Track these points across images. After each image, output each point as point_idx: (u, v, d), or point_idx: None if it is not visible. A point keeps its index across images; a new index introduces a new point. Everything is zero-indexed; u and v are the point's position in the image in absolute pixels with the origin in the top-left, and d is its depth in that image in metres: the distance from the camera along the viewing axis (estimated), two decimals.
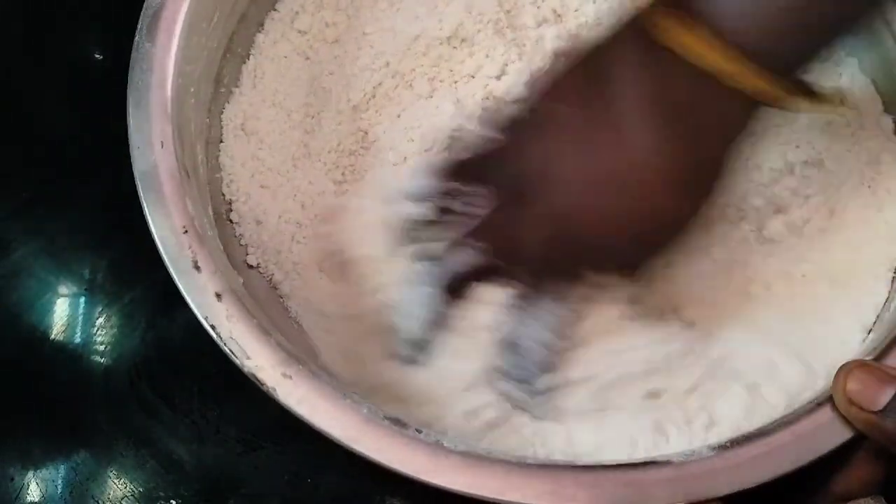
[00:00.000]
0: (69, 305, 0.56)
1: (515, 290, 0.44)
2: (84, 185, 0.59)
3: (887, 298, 0.48)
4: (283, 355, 0.40)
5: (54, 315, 0.56)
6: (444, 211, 0.45)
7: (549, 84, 0.43)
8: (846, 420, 0.38)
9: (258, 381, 0.40)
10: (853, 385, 0.37)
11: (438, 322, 0.45)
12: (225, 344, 0.40)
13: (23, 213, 0.59)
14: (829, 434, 0.38)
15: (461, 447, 0.38)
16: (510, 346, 0.44)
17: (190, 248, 0.42)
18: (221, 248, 0.45)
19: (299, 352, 0.42)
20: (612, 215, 0.42)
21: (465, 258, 0.44)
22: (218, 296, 0.41)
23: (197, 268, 0.42)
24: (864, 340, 0.47)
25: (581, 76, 0.42)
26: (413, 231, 0.46)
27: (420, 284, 0.45)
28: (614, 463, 0.39)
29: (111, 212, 0.58)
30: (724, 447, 0.38)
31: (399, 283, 0.47)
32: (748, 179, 0.52)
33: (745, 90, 0.39)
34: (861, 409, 0.36)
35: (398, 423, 0.39)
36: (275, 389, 0.39)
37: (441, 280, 0.45)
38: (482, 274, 0.45)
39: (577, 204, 0.42)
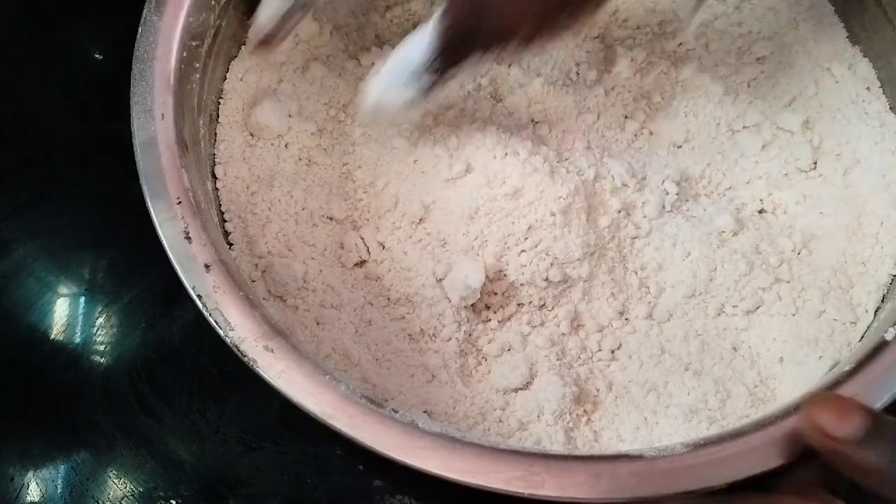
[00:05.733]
0: (69, 305, 0.56)
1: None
2: (84, 185, 0.59)
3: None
4: (266, 328, 0.40)
5: (54, 315, 0.56)
6: None
7: None
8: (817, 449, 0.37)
9: (240, 352, 0.40)
10: (821, 416, 0.35)
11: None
12: (210, 314, 0.40)
13: (23, 213, 0.59)
14: (801, 440, 0.38)
15: (435, 429, 0.38)
16: None
17: (182, 218, 0.42)
18: (216, 221, 0.45)
19: (283, 327, 0.42)
20: None
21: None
22: (207, 267, 0.41)
23: (188, 238, 0.42)
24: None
25: None
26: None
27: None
28: (585, 454, 0.39)
29: (111, 212, 0.58)
30: (697, 445, 0.38)
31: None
32: None
33: None
34: (830, 438, 0.35)
35: (374, 401, 0.39)
36: (255, 361, 0.39)
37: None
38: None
39: None
